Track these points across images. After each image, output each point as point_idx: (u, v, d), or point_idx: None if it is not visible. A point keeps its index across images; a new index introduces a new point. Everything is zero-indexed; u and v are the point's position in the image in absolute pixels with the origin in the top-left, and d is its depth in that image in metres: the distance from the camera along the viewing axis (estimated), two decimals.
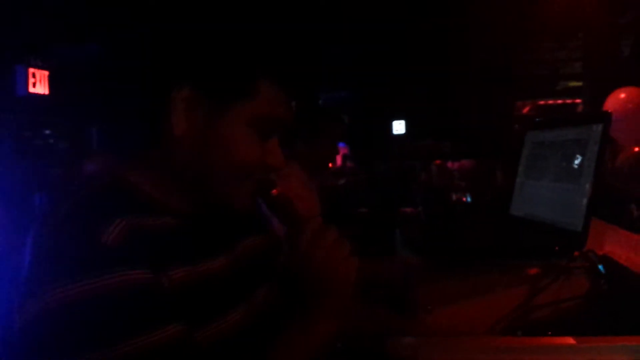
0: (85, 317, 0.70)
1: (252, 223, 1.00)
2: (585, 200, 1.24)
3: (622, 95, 3.21)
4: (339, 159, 10.41)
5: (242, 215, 0.90)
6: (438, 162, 5.48)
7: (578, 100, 9.44)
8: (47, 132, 7.56)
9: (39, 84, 6.57)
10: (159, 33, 0.86)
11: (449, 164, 6.04)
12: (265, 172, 0.87)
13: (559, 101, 11.53)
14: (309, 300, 0.86)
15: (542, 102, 11.09)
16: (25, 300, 0.73)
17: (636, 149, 3.10)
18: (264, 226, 1.03)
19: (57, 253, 0.73)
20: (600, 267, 1.13)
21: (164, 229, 0.82)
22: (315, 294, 0.86)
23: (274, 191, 0.90)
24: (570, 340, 0.81)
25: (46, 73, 6.66)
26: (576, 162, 1.32)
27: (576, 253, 1.18)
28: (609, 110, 2.62)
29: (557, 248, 1.21)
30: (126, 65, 0.90)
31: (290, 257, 0.88)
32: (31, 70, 6.45)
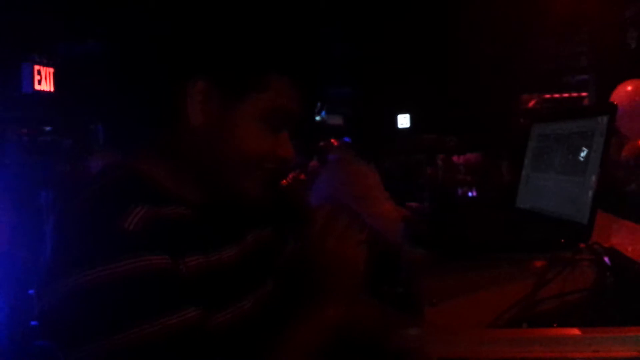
0: (109, 300, 0.73)
1: (262, 215, 1.02)
2: (591, 193, 1.24)
3: (629, 88, 3.20)
4: None
5: (253, 205, 0.91)
6: (443, 156, 5.46)
7: (584, 94, 9.40)
8: (53, 128, 7.58)
9: (44, 81, 6.59)
10: (175, 27, 0.87)
11: (454, 158, 6.03)
12: (276, 163, 0.89)
13: (565, 94, 11.48)
14: (318, 286, 0.88)
15: (547, 96, 11.05)
16: (48, 285, 0.75)
17: None
18: (274, 219, 1.04)
19: (80, 239, 0.76)
20: (606, 259, 1.12)
21: (179, 218, 0.84)
22: (325, 280, 0.88)
23: (284, 182, 0.92)
24: (576, 332, 0.80)
25: (52, 70, 6.68)
26: (582, 154, 1.31)
27: (582, 245, 1.17)
28: (616, 103, 2.61)
29: (563, 240, 1.21)
30: (141, 59, 0.90)
31: (301, 245, 0.90)
32: (37, 67, 6.47)
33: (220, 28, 0.85)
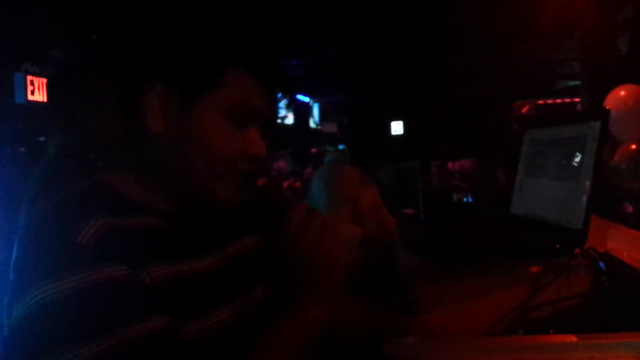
0: (65, 317, 0.71)
1: (246, 223, 0.99)
2: (585, 198, 1.23)
3: (622, 93, 3.22)
4: None
5: (228, 211, 0.89)
6: (438, 162, 5.47)
7: (577, 99, 9.46)
8: (46, 139, 7.57)
9: (37, 92, 6.58)
10: (125, 29, 0.86)
11: (449, 165, 6.04)
12: (247, 163, 0.86)
13: (558, 100, 11.55)
14: (300, 285, 0.87)
15: (541, 102, 11.11)
16: (11, 305, 0.74)
17: (633, 146, 3.10)
18: (260, 227, 1.02)
19: (35, 256, 0.74)
20: (601, 264, 1.12)
21: (143, 228, 0.81)
22: (307, 278, 0.87)
23: (260, 182, 0.91)
24: (572, 338, 0.80)
25: (44, 80, 6.68)
26: (575, 159, 1.31)
27: (577, 251, 1.17)
28: (609, 108, 2.63)
29: (557, 246, 1.21)
30: (97, 67, 0.90)
31: (281, 244, 0.88)
32: (29, 77, 6.47)
33: (168, 29, 0.83)
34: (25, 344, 0.72)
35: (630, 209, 3.18)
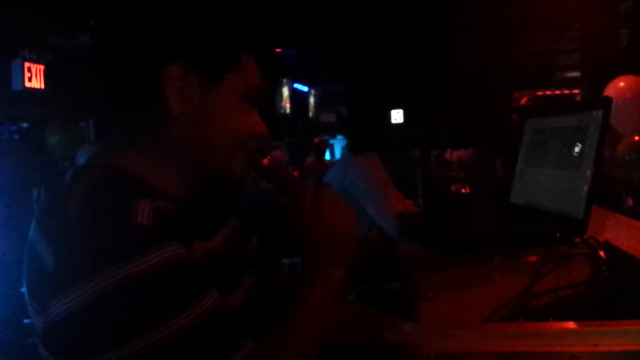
0: (138, 299, 0.72)
1: (231, 205, 1.05)
2: (586, 187, 1.23)
3: (622, 84, 3.21)
4: (337, 152, 10.40)
5: (239, 186, 0.95)
6: (436, 152, 5.46)
7: (576, 91, 9.43)
8: (44, 126, 7.54)
9: (34, 78, 6.55)
10: (148, 14, 0.87)
11: (447, 156, 6.03)
12: (254, 141, 0.92)
13: (557, 91, 11.52)
14: (318, 252, 0.93)
15: (540, 93, 11.09)
16: (58, 294, 0.73)
17: (637, 138, 3.10)
18: (238, 208, 1.07)
19: (92, 242, 0.73)
20: (601, 253, 1.12)
21: (169, 210, 0.82)
22: (323, 245, 0.93)
23: (265, 160, 0.96)
24: (572, 325, 0.80)
25: (42, 67, 6.64)
26: (576, 148, 1.31)
27: (577, 240, 1.17)
28: None
29: (558, 235, 1.21)
30: (114, 51, 0.90)
31: (297, 216, 0.94)
32: (27, 64, 6.43)
33: (194, 11, 0.86)
34: (93, 328, 0.72)
35: (630, 201, 3.18)
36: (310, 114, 12.05)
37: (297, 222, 0.94)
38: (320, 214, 0.93)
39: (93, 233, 0.74)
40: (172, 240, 0.76)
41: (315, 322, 0.89)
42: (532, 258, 1.16)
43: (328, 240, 0.93)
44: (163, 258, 0.73)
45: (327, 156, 8.86)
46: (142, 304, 0.72)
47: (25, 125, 6.59)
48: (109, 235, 0.74)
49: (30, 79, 6.44)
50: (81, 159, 5.16)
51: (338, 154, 9.70)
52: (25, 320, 3.48)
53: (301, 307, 0.90)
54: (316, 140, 8.50)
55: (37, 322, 0.77)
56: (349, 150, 2.87)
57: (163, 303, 0.73)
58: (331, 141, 10.20)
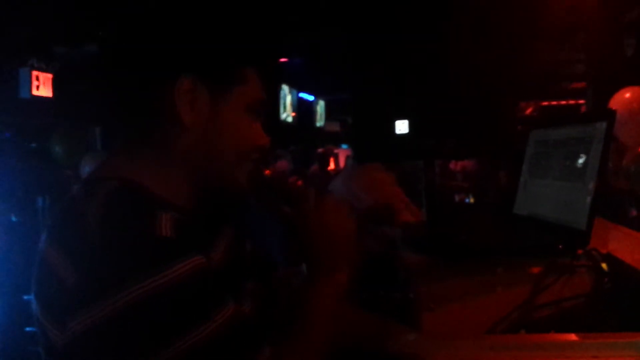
0: (168, 309, 0.73)
1: (225, 215, 1.06)
2: (589, 199, 1.23)
3: (627, 95, 3.21)
4: (341, 161, 10.40)
5: (243, 197, 0.98)
6: (440, 162, 5.46)
7: (581, 101, 9.42)
8: (50, 134, 7.58)
9: (42, 87, 6.59)
10: (159, 27, 0.89)
11: (451, 166, 6.01)
12: (258, 152, 0.95)
13: (562, 102, 11.50)
14: (322, 257, 0.95)
15: (545, 103, 11.07)
16: (81, 309, 0.72)
17: None
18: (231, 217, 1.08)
19: (117, 255, 0.73)
20: (603, 265, 1.12)
21: (187, 221, 0.83)
22: (327, 250, 0.95)
23: (267, 171, 1.01)
24: (574, 337, 0.80)
25: (50, 76, 6.68)
26: (580, 160, 1.31)
27: (580, 251, 1.17)
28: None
29: (560, 246, 1.21)
30: (123, 62, 0.91)
31: (301, 224, 0.96)
32: (35, 73, 6.47)
33: (204, 25, 0.89)
34: (127, 337, 0.72)
35: (634, 212, 3.17)
36: (318, 124, 12.06)
37: (300, 229, 0.97)
38: (323, 220, 0.95)
39: (118, 246, 0.74)
40: (193, 251, 0.77)
41: (325, 325, 0.92)
42: (535, 269, 1.16)
43: (331, 246, 0.96)
44: (189, 268, 0.75)
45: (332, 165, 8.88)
46: (171, 315, 0.73)
47: (8, 135, 6.61)
48: (135, 247, 0.74)
49: (38, 88, 6.49)
50: (85, 167, 5.17)
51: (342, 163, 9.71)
52: (27, 328, 3.49)
53: (311, 310, 0.92)
54: (320, 150, 8.52)
55: (54, 337, 0.76)
56: (353, 159, 2.87)
57: (191, 313, 0.74)
58: (335, 150, 10.21)
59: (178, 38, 0.87)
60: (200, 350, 0.73)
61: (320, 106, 12.15)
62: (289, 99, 10.23)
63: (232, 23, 0.91)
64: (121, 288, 0.71)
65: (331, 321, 0.93)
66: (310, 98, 11.73)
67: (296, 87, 10.35)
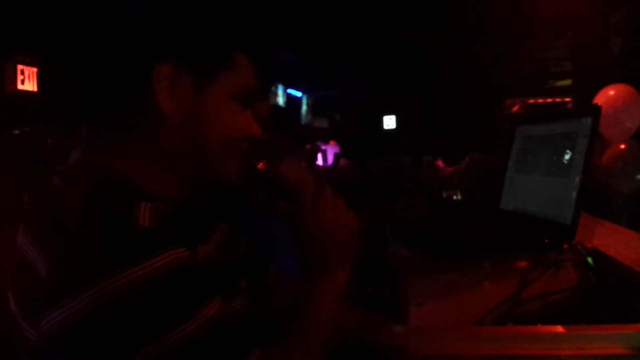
0: (146, 303, 0.69)
1: (236, 201, 1.04)
2: (574, 194, 1.25)
3: (611, 92, 3.24)
4: (330, 158, 10.39)
5: (233, 190, 0.92)
6: (428, 158, 5.48)
7: (568, 99, 9.49)
8: (37, 129, 7.50)
9: (27, 81, 6.51)
10: (139, 10, 0.85)
11: (439, 163, 6.03)
12: (249, 143, 0.90)
13: (549, 99, 11.57)
14: (321, 253, 0.92)
15: (531, 101, 11.13)
16: (53, 303, 0.69)
17: (622, 146, 3.12)
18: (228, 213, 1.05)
19: (94, 246, 0.70)
20: (589, 259, 1.13)
21: (168, 212, 0.80)
22: (326, 246, 0.92)
23: (260, 165, 0.94)
24: (560, 329, 0.81)
25: (35, 70, 6.60)
26: (566, 155, 1.32)
27: (565, 246, 1.18)
28: None
29: (546, 241, 1.22)
30: (103, 50, 0.87)
31: (298, 219, 0.92)
32: (19, 67, 6.39)
33: (185, 8, 0.84)
34: (104, 331, 0.68)
35: (619, 207, 3.21)
36: (305, 120, 12.03)
37: (297, 224, 0.93)
38: (321, 215, 0.92)
39: (95, 237, 0.70)
40: (175, 243, 0.74)
41: (324, 323, 0.88)
42: (521, 264, 1.17)
43: (330, 242, 0.92)
44: (169, 261, 0.71)
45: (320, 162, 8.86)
46: (150, 308, 0.69)
47: (37, 129, 6.54)
48: (113, 238, 0.70)
49: (23, 82, 6.41)
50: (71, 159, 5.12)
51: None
52: None
53: (310, 309, 0.89)
54: (308, 146, 8.49)
55: (28, 334, 0.73)
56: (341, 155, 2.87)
57: (171, 307, 0.70)
58: (323, 147, 10.19)
59: (158, 22, 0.83)
60: (180, 349, 0.69)
61: (308, 103, 12.13)
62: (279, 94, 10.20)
63: (216, 5, 0.86)
64: (99, 280, 0.67)
65: (330, 323, 0.90)
66: (298, 94, 11.70)
67: (284, 83, 10.31)
